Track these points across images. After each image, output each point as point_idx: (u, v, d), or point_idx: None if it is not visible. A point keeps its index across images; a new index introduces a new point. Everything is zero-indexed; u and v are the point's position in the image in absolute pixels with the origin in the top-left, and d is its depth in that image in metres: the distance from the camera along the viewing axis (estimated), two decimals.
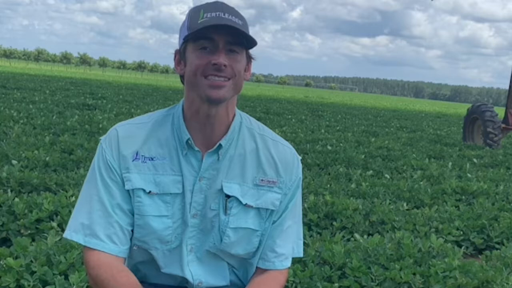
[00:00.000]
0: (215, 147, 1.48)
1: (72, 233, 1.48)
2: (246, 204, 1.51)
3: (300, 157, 1.62)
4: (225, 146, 1.49)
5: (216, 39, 1.38)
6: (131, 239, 1.52)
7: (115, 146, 1.49)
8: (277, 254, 1.57)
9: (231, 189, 1.50)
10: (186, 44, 1.42)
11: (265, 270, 1.58)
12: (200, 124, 1.48)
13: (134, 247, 1.53)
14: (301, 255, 1.65)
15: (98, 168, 1.49)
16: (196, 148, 1.48)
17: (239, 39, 1.39)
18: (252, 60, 1.49)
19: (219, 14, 1.37)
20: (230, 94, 1.43)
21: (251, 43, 1.42)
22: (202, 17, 1.37)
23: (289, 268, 1.62)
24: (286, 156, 1.57)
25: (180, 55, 1.46)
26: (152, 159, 1.49)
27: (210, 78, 1.39)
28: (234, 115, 1.53)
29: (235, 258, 1.58)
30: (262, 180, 1.53)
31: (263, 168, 1.53)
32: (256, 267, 1.60)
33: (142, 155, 1.49)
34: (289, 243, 1.60)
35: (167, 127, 1.51)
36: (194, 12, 1.40)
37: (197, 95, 1.43)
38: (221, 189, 1.50)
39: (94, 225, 1.46)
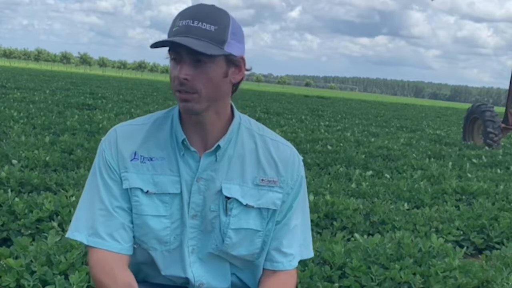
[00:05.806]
0: (213, 148, 1.48)
1: (75, 233, 1.49)
2: (247, 204, 1.50)
3: (301, 157, 1.61)
4: (223, 147, 1.49)
5: (180, 51, 1.36)
6: (134, 237, 1.52)
7: (114, 146, 1.50)
8: (284, 254, 1.55)
9: (231, 190, 1.49)
10: None
11: (274, 272, 1.56)
12: (194, 126, 1.48)
13: (135, 245, 1.53)
14: (312, 255, 1.63)
15: (99, 168, 1.51)
16: (193, 149, 1.48)
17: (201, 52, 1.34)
18: (240, 61, 1.43)
19: (188, 23, 1.35)
20: (202, 105, 1.41)
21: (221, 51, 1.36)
22: (176, 25, 1.37)
23: (296, 268, 1.59)
24: (286, 155, 1.55)
25: None
26: (151, 159, 1.49)
27: (178, 92, 1.40)
28: (233, 116, 1.52)
29: (238, 260, 1.57)
30: (262, 180, 1.52)
31: (263, 167, 1.52)
32: (264, 269, 1.58)
33: (140, 155, 1.49)
34: (296, 243, 1.58)
35: (166, 128, 1.52)
36: (175, 18, 1.39)
37: None
38: (221, 191, 1.49)
39: (96, 224, 1.47)
